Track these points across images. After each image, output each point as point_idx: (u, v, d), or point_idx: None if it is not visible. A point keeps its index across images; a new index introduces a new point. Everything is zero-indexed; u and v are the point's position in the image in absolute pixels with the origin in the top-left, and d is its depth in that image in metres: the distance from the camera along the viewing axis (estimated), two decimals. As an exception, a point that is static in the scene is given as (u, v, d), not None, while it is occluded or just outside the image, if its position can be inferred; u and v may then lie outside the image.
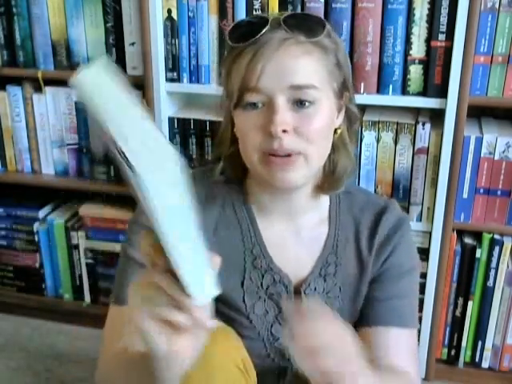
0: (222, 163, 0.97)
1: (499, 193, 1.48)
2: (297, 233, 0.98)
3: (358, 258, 0.99)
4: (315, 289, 0.98)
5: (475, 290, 1.57)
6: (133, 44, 1.59)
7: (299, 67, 0.83)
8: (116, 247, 1.75)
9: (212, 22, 1.49)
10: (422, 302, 1.59)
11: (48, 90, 1.69)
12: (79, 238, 1.81)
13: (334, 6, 1.41)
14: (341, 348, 0.72)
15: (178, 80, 1.55)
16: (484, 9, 1.34)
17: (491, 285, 1.55)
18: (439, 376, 1.66)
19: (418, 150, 1.48)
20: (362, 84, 1.45)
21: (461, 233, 1.57)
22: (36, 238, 1.85)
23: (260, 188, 0.96)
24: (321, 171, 0.95)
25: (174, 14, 1.50)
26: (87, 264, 1.83)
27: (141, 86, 1.56)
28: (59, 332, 1.84)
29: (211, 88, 1.52)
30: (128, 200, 1.58)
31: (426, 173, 1.49)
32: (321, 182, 0.96)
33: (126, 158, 0.51)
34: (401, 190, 1.52)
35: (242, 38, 0.84)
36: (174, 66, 1.55)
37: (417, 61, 1.42)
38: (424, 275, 1.56)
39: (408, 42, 1.41)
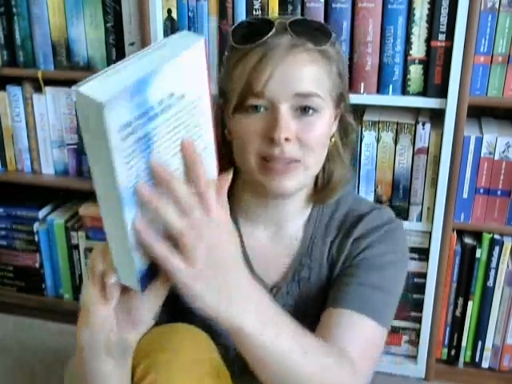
0: None
1: (499, 193, 1.48)
2: (279, 240, 0.97)
3: (330, 261, 0.96)
4: (288, 292, 0.96)
5: (475, 289, 1.57)
6: (133, 44, 1.59)
7: (305, 75, 0.82)
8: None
9: (212, 22, 1.48)
10: (421, 302, 1.59)
11: (48, 89, 1.69)
12: (79, 237, 1.81)
13: (334, 5, 1.41)
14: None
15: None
16: (484, 9, 1.34)
17: (491, 285, 1.55)
18: (439, 376, 1.66)
19: (418, 150, 1.48)
20: (362, 84, 1.45)
21: (461, 233, 1.57)
22: (36, 238, 1.85)
23: (249, 194, 0.95)
24: (314, 180, 0.94)
25: (174, 14, 1.50)
26: (87, 264, 1.83)
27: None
28: (59, 332, 1.84)
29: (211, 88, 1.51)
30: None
31: (426, 173, 1.49)
32: (315, 191, 0.95)
33: None
34: (401, 190, 1.52)
35: (247, 39, 0.83)
36: (173, 66, 1.54)
37: (417, 61, 1.42)
38: (424, 275, 1.57)
39: (408, 42, 1.41)
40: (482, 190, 1.48)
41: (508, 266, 1.53)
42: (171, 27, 1.52)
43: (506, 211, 1.49)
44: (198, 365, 0.85)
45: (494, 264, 1.53)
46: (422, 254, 1.56)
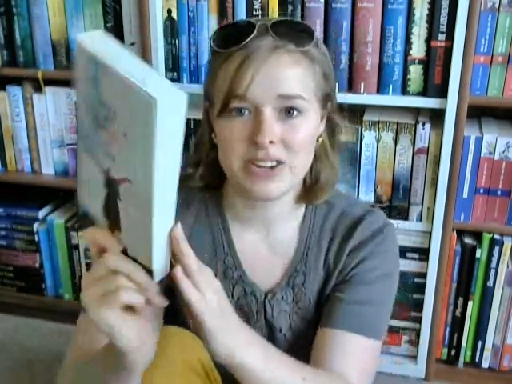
0: (200, 170, 0.94)
1: (499, 193, 1.48)
2: (270, 243, 0.96)
3: (326, 270, 0.96)
4: (282, 298, 0.95)
5: (475, 289, 1.57)
6: (133, 44, 1.59)
7: (288, 77, 0.81)
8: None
9: (212, 22, 1.48)
10: (421, 302, 1.59)
11: (48, 90, 1.69)
12: (79, 237, 1.81)
13: (333, 6, 1.41)
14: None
15: (178, 80, 1.55)
16: (484, 9, 1.34)
17: (491, 285, 1.55)
18: (439, 376, 1.66)
19: (418, 150, 1.48)
20: (362, 84, 1.45)
21: (461, 233, 1.57)
22: (36, 238, 1.85)
23: (237, 197, 0.94)
24: (302, 181, 0.93)
25: (174, 14, 1.51)
26: (87, 264, 1.83)
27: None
28: (59, 332, 1.84)
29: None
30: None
31: (426, 173, 1.49)
32: (303, 192, 0.94)
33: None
34: (401, 190, 1.52)
35: (228, 42, 0.82)
36: (174, 66, 1.55)
37: (417, 61, 1.42)
38: (424, 275, 1.57)
39: (408, 42, 1.41)
40: (481, 190, 1.48)
41: (508, 266, 1.53)
42: (171, 27, 1.52)
43: (506, 211, 1.49)
44: (186, 365, 0.85)
45: (493, 264, 1.53)
46: (422, 254, 1.57)
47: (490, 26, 1.36)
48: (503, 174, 1.46)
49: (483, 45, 1.37)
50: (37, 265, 1.87)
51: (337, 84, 1.43)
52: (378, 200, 1.53)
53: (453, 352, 1.65)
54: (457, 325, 1.62)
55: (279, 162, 0.83)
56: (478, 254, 1.54)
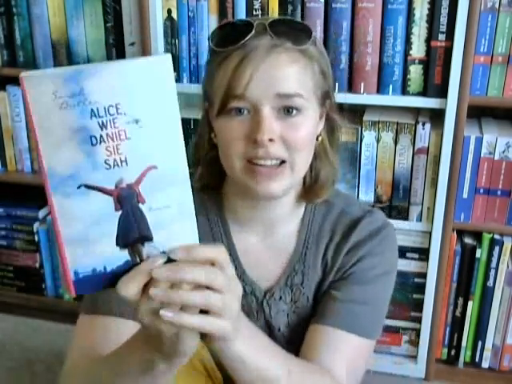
0: (200, 169, 0.94)
1: (499, 193, 1.48)
2: (270, 243, 0.96)
3: (323, 268, 0.96)
4: (280, 298, 0.96)
5: (475, 289, 1.57)
6: (133, 44, 1.59)
7: (286, 75, 0.82)
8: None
9: (212, 22, 1.48)
10: (421, 302, 1.59)
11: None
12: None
13: (334, 6, 1.41)
14: None
15: (178, 80, 1.55)
16: (484, 9, 1.34)
17: (491, 285, 1.55)
18: (439, 376, 1.66)
19: (418, 150, 1.48)
20: (362, 84, 1.45)
21: (461, 233, 1.57)
22: (36, 238, 1.85)
23: (238, 197, 0.94)
24: (302, 180, 0.93)
25: (174, 14, 1.50)
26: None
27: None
28: (59, 332, 1.84)
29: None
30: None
31: (426, 173, 1.49)
32: (304, 190, 0.94)
33: None
34: (401, 190, 1.52)
35: (226, 42, 0.83)
36: (174, 66, 1.53)
37: (417, 61, 1.42)
38: (424, 275, 1.57)
39: (408, 42, 1.41)
40: (481, 190, 1.48)
41: (508, 266, 1.53)
42: (171, 27, 1.52)
43: (506, 211, 1.49)
44: (188, 365, 0.85)
45: (494, 264, 1.53)
46: (422, 254, 1.57)
47: (490, 26, 1.36)
48: (503, 174, 1.46)
49: (483, 45, 1.37)
50: (37, 265, 1.87)
51: (337, 84, 1.45)
52: (378, 200, 1.53)
53: (453, 352, 1.65)
54: (457, 325, 1.62)
55: (281, 161, 0.83)
56: (478, 254, 1.54)
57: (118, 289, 0.57)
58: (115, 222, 0.57)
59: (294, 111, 0.83)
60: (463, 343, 1.63)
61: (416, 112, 1.52)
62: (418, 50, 1.41)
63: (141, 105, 0.55)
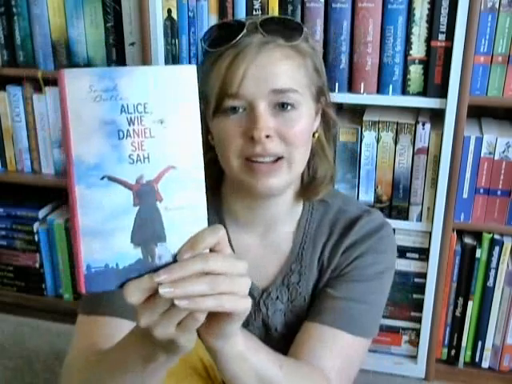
0: None
1: (499, 193, 1.48)
2: (267, 242, 0.97)
3: (320, 267, 0.96)
4: (277, 298, 0.96)
5: (475, 290, 1.57)
6: (133, 44, 1.59)
7: (280, 71, 0.82)
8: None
9: (212, 22, 1.48)
10: (421, 302, 1.59)
11: (48, 90, 1.69)
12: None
13: (334, 5, 1.41)
14: None
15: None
16: (484, 9, 1.34)
17: (491, 285, 1.55)
18: (439, 376, 1.66)
19: (418, 150, 1.48)
20: (362, 84, 1.45)
21: (461, 233, 1.57)
22: (36, 238, 1.85)
23: (236, 197, 0.94)
24: (300, 178, 0.93)
25: (174, 14, 1.50)
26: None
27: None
28: (59, 332, 1.84)
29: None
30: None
31: (426, 173, 1.49)
32: (302, 188, 0.95)
33: None
34: (401, 190, 1.52)
35: (218, 42, 0.83)
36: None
37: (417, 61, 1.42)
38: (424, 275, 1.57)
39: (408, 42, 1.41)
40: (481, 190, 1.48)
41: (508, 266, 1.53)
42: (171, 27, 1.52)
43: (506, 211, 1.49)
44: (187, 363, 0.85)
45: (493, 264, 1.53)
46: (422, 254, 1.57)
47: (490, 26, 1.36)
48: (503, 173, 1.46)
49: (483, 45, 1.37)
50: (37, 265, 1.87)
51: (337, 84, 1.45)
52: (378, 200, 1.53)
53: (453, 352, 1.65)
54: (457, 325, 1.62)
55: (278, 157, 0.83)
56: (478, 254, 1.54)
57: (125, 295, 0.57)
58: (132, 217, 0.58)
59: (289, 107, 0.83)
60: (463, 343, 1.63)
61: (416, 112, 1.52)
62: (418, 50, 1.41)
63: (167, 107, 0.58)
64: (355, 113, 1.56)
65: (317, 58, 0.88)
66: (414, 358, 1.67)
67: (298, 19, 1.42)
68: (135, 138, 0.57)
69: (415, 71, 1.42)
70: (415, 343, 1.66)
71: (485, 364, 1.63)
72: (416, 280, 1.59)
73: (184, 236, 0.59)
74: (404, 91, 1.44)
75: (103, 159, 0.57)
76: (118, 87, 0.56)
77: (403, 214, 1.53)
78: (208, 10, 1.48)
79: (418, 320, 1.62)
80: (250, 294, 0.94)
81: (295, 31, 0.85)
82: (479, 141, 1.45)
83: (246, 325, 0.94)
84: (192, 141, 0.59)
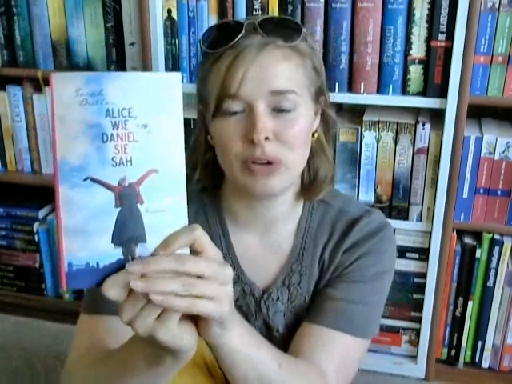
0: (198, 171, 0.94)
1: (499, 193, 1.48)
2: (268, 243, 0.96)
3: (320, 268, 0.96)
4: (278, 298, 0.96)
5: (475, 290, 1.57)
6: (133, 44, 1.59)
7: (279, 72, 0.82)
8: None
9: (212, 22, 1.48)
10: (421, 302, 1.59)
11: (48, 90, 1.69)
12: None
13: (333, 5, 1.41)
14: None
15: (178, 80, 1.55)
16: (484, 9, 1.34)
17: (491, 285, 1.55)
18: (439, 376, 1.66)
19: (418, 150, 1.48)
20: (362, 84, 1.45)
21: (461, 233, 1.57)
22: (36, 238, 1.85)
23: (236, 197, 0.94)
24: (300, 178, 0.93)
25: (174, 14, 1.50)
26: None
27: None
28: (59, 332, 1.84)
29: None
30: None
31: (426, 173, 1.49)
32: (302, 188, 0.94)
33: None
34: (401, 190, 1.52)
35: (217, 43, 0.83)
36: (173, 66, 1.55)
37: (417, 61, 1.42)
38: (424, 275, 1.57)
39: (408, 42, 1.41)
40: (481, 190, 1.48)
41: (508, 266, 1.53)
42: (171, 27, 1.52)
43: (506, 211, 1.49)
44: (189, 361, 0.85)
45: (494, 264, 1.53)
46: (422, 254, 1.57)
47: (490, 26, 1.36)
48: (503, 173, 1.46)
49: (483, 45, 1.37)
50: (37, 265, 1.87)
51: (337, 84, 1.45)
52: (378, 200, 1.53)
53: (453, 352, 1.65)
54: (457, 325, 1.62)
55: (276, 160, 0.83)
56: (478, 254, 1.54)
57: (103, 289, 0.59)
58: (113, 217, 0.60)
59: (288, 108, 0.83)
60: (463, 343, 1.63)
61: (416, 112, 1.52)
62: (418, 50, 1.41)
63: (151, 112, 0.60)
64: (355, 113, 1.56)
65: (316, 58, 0.88)
66: (413, 358, 1.67)
67: (298, 19, 1.42)
68: (119, 142, 0.59)
69: (415, 71, 1.42)
70: (415, 343, 1.66)
71: (485, 364, 1.63)
72: (416, 280, 1.59)
73: (164, 237, 0.61)
74: (404, 91, 1.44)
75: (87, 161, 0.59)
76: (104, 92, 0.58)
77: (403, 214, 1.53)
78: (208, 10, 1.48)
79: (418, 320, 1.62)
80: (252, 293, 0.95)
81: (294, 31, 0.85)
82: (479, 141, 1.45)
83: None
84: (175, 145, 0.61)
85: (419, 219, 1.53)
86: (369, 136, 1.49)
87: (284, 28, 0.84)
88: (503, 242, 1.51)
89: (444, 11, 1.36)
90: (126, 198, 0.60)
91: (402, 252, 1.56)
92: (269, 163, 0.83)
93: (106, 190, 0.60)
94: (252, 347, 0.73)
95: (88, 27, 1.61)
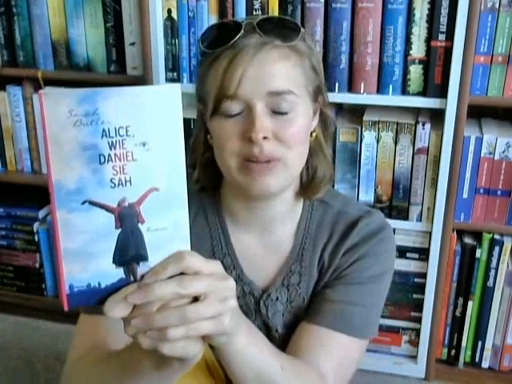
0: (197, 171, 0.94)
1: (499, 193, 1.48)
2: (267, 243, 0.96)
3: (320, 269, 0.96)
4: (277, 298, 0.96)
5: (475, 290, 1.57)
6: (133, 44, 1.59)
7: (277, 72, 0.82)
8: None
9: (212, 22, 1.48)
10: (421, 302, 1.59)
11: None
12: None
13: (333, 5, 1.41)
14: None
15: (178, 80, 1.55)
16: (484, 9, 1.34)
17: (491, 285, 1.55)
18: (439, 376, 1.66)
19: (418, 150, 1.48)
20: (362, 84, 1.45)
21: (461, 233, 1.57)
22: (36, 238, 1.85)
23: (235, 197, 0.94)
24: (299, 177, 0.93)
25: (174, 14, 1.51)
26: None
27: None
28: (59, 332, 1.84)
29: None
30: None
31: (426, 173, 1.49)
32: (301, 188, 0.94)
33: None
34: (401, 190, 1.52)
35: (216, 43, 0.83)
36: (173, 66, 1.55)
37: (417, 61, 1.42)
38: (424, 275, 1.57)
39: (408, 42, 1.41)
40: (481, 190, 1.48)
41: (508, 266, 1.53)
42: (171, 27, 1.52)
43: (506, 211, 1.49)
44: None
45: (494, 264, 1.53)
46: (422, 254, 1.57)
47: (490, 26, 1.36)
48: (503, 173, 1.46)
49: (483, 45, 1.37)
50: (37, 265, 1.87)
51: (337, 84, 1.45)
52: (378, 200, 1.53)
53: (453, 352, 1.65)
54: (457, 325, 1.62)
55: (274, 159, 0.83)
56: (478, 254, 1.54)
57: (105, 309, 0.59)
58: (114, 239, 0.59)
59: (286, 108, 0.83)
60: (463, 343, 1.63)
61: (416, 112, 1.52)
62: (418, 50, 1.41)
63: (149, 129, 0.58)
64: (355, 113, 1.56)
65: (314, 57, 0.88)
66: (413, 358, 1.67)
67: (298, 19, 1.42)
68: (117, 162, 0.57)
69: (415, 71, 1.42)
70: (415, 343, 1.66)
71: (485, 364, 1.63)
72: (416, 280, 1.59)
73: (167, 255, 0.60)
74: (404, 91, 1.45)
75: (84, 184, 0.57)
76: (99, 111, 0.56)
77: (403, 214, 1.53)
78: (208, 10, 1.48)
79: (418, 320, 1.62)
80: (251, 293, 0.95)
81: (292, 31, 0.85)
82: (479, 141, 1.45)
83: None
84: (175, 162, 0.59)
85: (419, 219, 1.53)
86: (369, 136, 1.49)
87: (282, 28, 0.84)
88: (503, 242, 1.51)
89: (444, 11, 1.36)
90: (127, 218, 0.59)
91: (402, 252, 1.56)
92: (267, 161, 0.83)
93: (106, 212, 0.58)
94: (257, 349, 0.74)
95: (88, 27, 1.61)
